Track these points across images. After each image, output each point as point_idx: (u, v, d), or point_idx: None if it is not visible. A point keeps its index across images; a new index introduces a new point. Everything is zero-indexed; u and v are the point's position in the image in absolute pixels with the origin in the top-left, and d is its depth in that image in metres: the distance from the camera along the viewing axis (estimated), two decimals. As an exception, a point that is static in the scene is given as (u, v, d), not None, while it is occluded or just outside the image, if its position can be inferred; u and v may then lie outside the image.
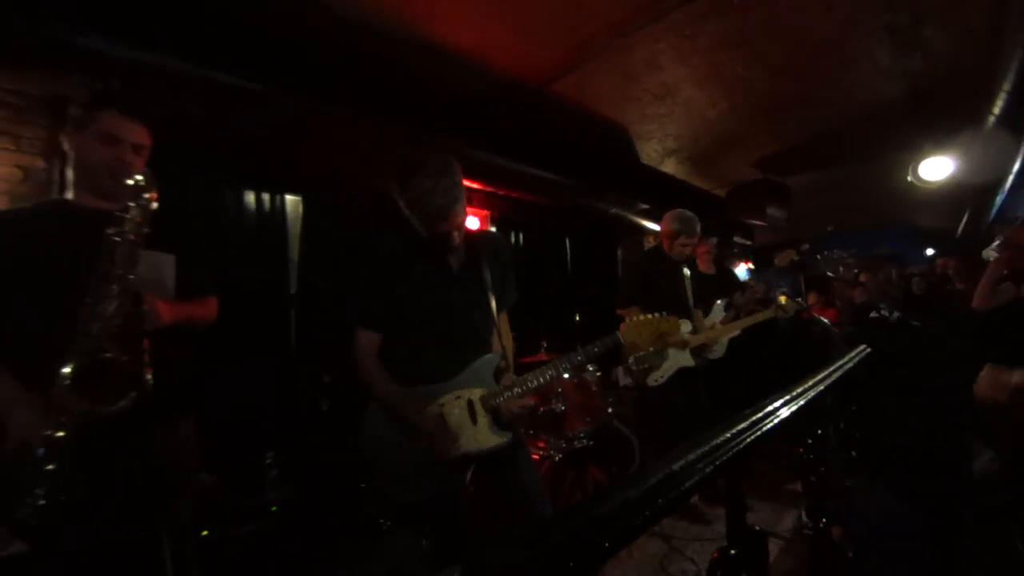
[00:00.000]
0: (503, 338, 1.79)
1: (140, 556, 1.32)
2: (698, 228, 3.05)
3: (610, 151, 4.32)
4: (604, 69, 3.08)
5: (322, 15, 2.37)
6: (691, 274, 3.19)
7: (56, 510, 1.15)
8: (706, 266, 3.66)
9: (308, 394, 2.84)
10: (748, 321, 3.21)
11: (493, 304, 1.73)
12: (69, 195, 1.48)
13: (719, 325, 3.20)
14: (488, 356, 1.68)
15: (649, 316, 1.74)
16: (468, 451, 1.57)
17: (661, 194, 4.93)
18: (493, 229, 4.56)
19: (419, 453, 1.57)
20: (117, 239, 1.28)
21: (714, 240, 3.78)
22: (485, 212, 4.46)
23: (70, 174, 1.46)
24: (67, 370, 1.18)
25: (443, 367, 1.62)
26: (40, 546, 1.15)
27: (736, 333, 3.27)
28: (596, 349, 1.70)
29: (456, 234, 1.56)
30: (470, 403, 1.60)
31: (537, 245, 5.02)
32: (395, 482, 1.62)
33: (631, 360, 2.91)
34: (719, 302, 3.32)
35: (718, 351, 3.28)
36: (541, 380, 1.61)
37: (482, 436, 1.59)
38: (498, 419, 1.61)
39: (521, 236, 4.87)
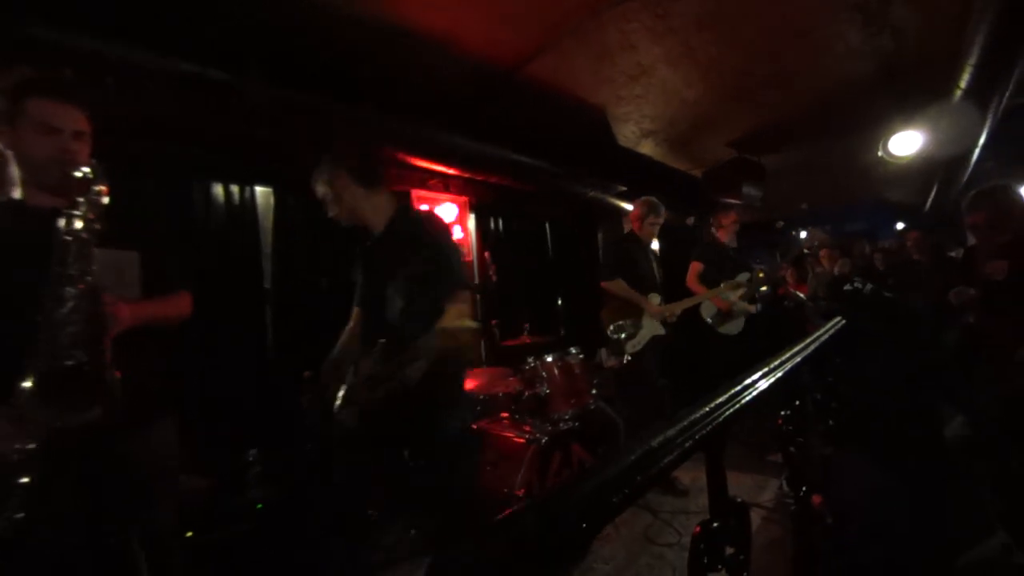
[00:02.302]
0: (447, 320, 1.71)
1: (116, 564, 1.28)
2: (662, 210, 3.43)
3: (587, 134, 4.30)
4: (578, 50, 3.05)
5: (292, 1, 2.29)
6: (656, 256, 3.52)
7: (33, 523, 1.10)
8: (728, 238, 3.92)
9: (288, 390, 2.79)
10: (710, 294, 3.56)
11: (409, 285, 1.76)
12: (17, 194, 1.39)
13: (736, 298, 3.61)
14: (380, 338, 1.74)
15: None
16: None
17: (639, 176, 4.94)
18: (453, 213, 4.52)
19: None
20: (68, 238, 1.20)
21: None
22: (463, 198, 4.41)
23: (15, 172, 1.37)
24: (28, 382, 1.12)
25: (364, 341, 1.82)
26: (15, 559, 1.11)
27: (748, 310, 3.65)
28: None
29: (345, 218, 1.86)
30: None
31: (517, 230, 5.00)
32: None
33: (611, 329, 3.23)
34: (741, 275, 3.66)
35: (733, 327, 3.57)
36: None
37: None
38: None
39: (500, 222, 4.84)
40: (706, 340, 3.68)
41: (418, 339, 1.60)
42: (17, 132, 1.32)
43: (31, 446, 1.12)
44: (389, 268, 1.79)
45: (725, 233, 3.89)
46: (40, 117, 1.31)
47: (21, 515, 1.09)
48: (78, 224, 1.21)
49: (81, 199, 1.22)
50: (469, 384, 2.94)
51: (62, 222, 1.21)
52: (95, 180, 1.24)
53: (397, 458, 1.88)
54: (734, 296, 3.61)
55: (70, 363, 1.17)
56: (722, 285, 3.55)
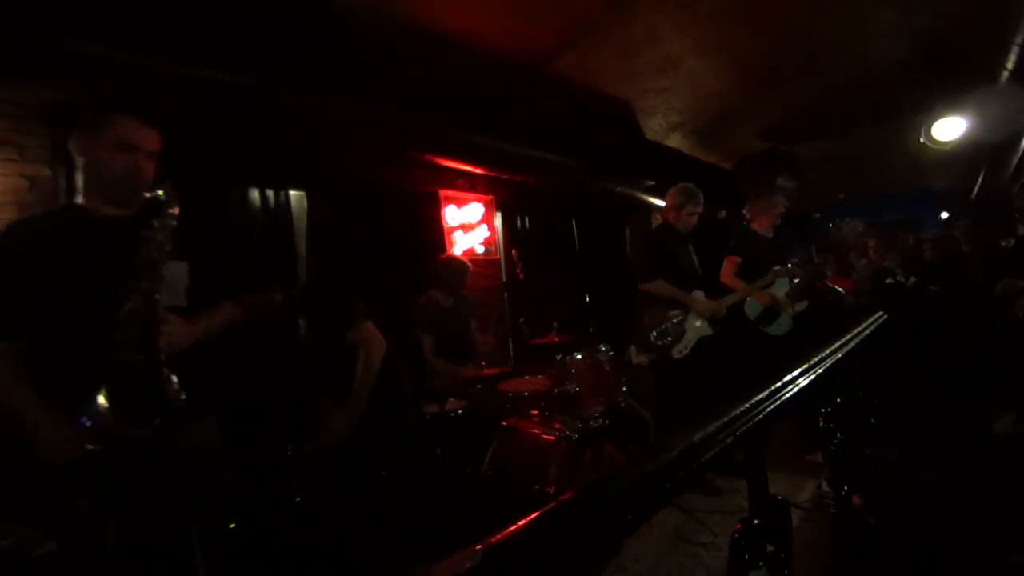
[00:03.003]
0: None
1: (171, 553, 1.34)
2: (701, 196, 3.13)
3: (613, 128, 4.26)
4: (603, 44, 3.02)
5: (317, 6, 2.34)
6: (694, 247, 3.27)
7: (94, 514, 1.17)
8: (765, 228, 3.56)
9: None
10: (754, 288, 3.27)
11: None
12: (79, 200, 1.45)
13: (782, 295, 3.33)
14: None
15: None
16: None
17: (667, 170, 4.86)
18: (499, 216, 4.55)
19: None
20: (145, 259, 1.26)
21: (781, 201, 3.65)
22: (489, 197, 4.43)
23: (80, 179, 1.42)
24: (101, 396, 1.19)
25: None
26: (74, 546, 1.18)
27: (798, 307, 3.36)
28: None
29: None
30: None
31: (543, 228, 5.00)
32: None
33: (653, 334, 3.00)
34: (777, 267, 3.32)
35: (781, 327, 3.33)
36: None
37: None
38: None
39: (527, 220, 4.84)
40: (753, 340, 3.35)
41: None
42: (95, 144, 1.37)
43: (99, 447, 1.19)
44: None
45: (762, 223, 3.51)
46: (122, 134, 1.36)
47: (86, 503, 1.15)
48: (155, 245, 1.27)
49: (157, 222, 1.28)
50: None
51: (144, 243, 1.27)
52: (169, 202, 1.30)
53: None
54: (780, 293, 3.33)
55: (136, 376, 1.22)
56: (769, 274, 3.25)
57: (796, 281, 3.25)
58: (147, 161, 1.41)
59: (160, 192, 1.30)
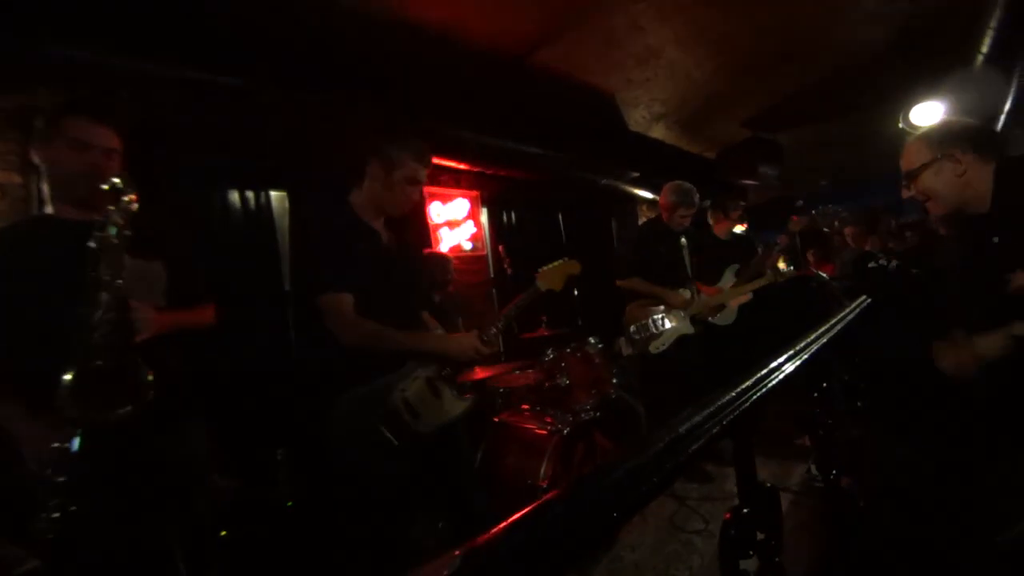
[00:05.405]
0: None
1: (154, 561, 1.32)
2: (696, 198, 3.10)
3: (597, 120, 4.25)
4: (585, 35, 3.01)
5: (295, 1, 2.29)
6: (688, 244, 3.23)
7: (70, 522, 1.14)
8: (724, 233, 3.60)
9: (312, 389, 2.84)
10: (743, 289, 3.26)
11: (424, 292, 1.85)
12: (48, 210, 1.45)
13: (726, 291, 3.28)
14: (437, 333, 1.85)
15: (556, 263, 2.01)
16: (440, 422, 1.71)
17: (651, 161, 4.87)
18: (484, 211, 4.52)
19: (389, 436, 1.62)
20: (101, 245, 1.25)
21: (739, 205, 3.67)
22: (475, 193, 4.40)
23: (46, 188, 1.43)
24: (66, 378, 1.17)
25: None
26: (55, 559, 1.15)
27: (740, 300, 3.33)
28: (515, 309, 2.01)
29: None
30: (428, 380, 1.73)
31: (530, 222, 4.98)
32: (367, 469, 1.66)
33: (632, 329, 3.03)
34: (729, 268, 3.34)
35: (726, 318, 3.31)
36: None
37: (447, 406, 1.76)
38: (456, 387, 1.82)
39: (513, 214, 4.82)
40: (712, 334, 3.31)
41: None
42: (51, 148, 1.37)
43: (66, 445, 1.17)
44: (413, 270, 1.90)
45: (722, 228, 3.57)
46: (74, 134, 1.36)
47: (56, 515, 1.13)
48: (110, 231, 1.26)
49: (112, 207, 1.27)
50: (487, 376, 2.95)
51: (95, 229, 1.25)
52: (125, 190, 1.28)
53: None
54: (726, 285, 3.33)
55: (102, 363, 1.21)
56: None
57: (790, 268, 3.27)
58: (107, 159, 1.39)
59: (116, 180, 1.28)
